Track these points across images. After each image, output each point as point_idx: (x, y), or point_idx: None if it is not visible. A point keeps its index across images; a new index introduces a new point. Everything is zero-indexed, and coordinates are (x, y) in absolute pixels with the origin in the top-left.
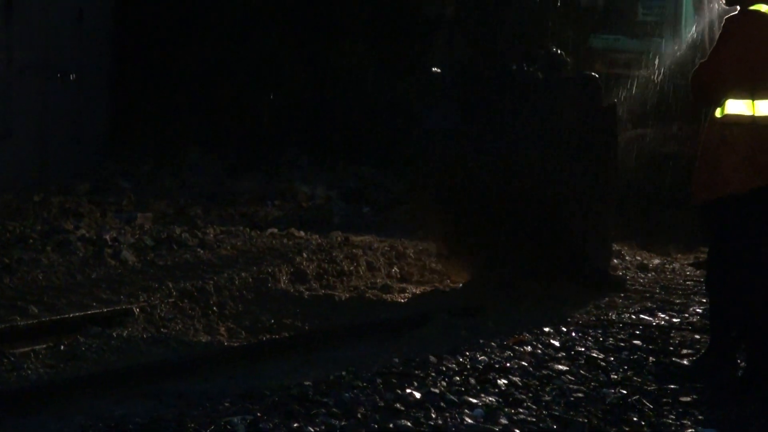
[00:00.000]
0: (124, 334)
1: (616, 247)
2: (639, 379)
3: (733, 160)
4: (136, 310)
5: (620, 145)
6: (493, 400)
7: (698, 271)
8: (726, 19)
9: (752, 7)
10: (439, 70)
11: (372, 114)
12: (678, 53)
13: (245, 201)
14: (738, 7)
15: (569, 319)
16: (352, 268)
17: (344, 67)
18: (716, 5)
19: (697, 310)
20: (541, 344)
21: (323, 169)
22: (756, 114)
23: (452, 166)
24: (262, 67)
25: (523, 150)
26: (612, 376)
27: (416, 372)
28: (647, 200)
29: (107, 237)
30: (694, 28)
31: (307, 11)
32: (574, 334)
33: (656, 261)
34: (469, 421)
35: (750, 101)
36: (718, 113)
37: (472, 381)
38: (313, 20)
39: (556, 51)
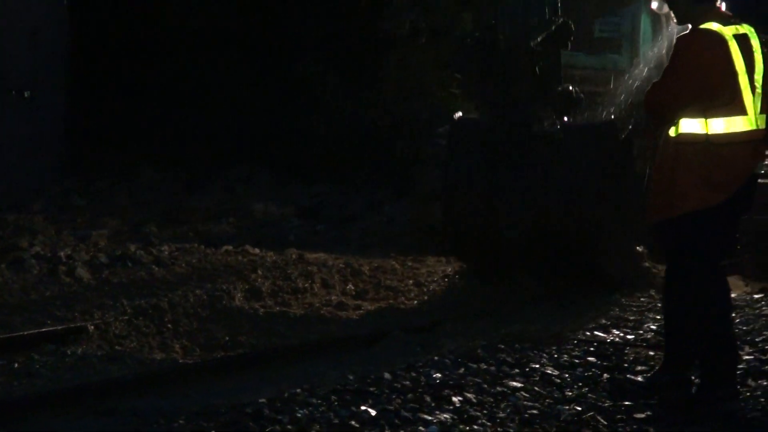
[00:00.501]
0: (79, 352)
1: None
2: (593, 396)
3: (689, 178)
4: (91, 328)
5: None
6: (448, 417)
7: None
8: (678, 38)
9: (703, 26)
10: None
11: (328, 131)
12: (635, 70)
13: (200, 218)
14: (690, 26)
15: (523, 336)
16: (306, 285)
17: (300, 83)
18: (671, 21)
19: (652, 326)
20: (495, 361)
21: (278, 186)
22: (709, 132)
23: (478, 205)
24: (218, 85)
25: (554, 195)
26: (567, 393)
27: (371, 389)
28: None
29: (62, 254)
30: (651, 45)
31: (264, 28)
32: (528, 350)
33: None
34: None
35: (703, 120)
36: (672, 132)
37: (427, 398)
38: (270, 37)
39: (571, 89)
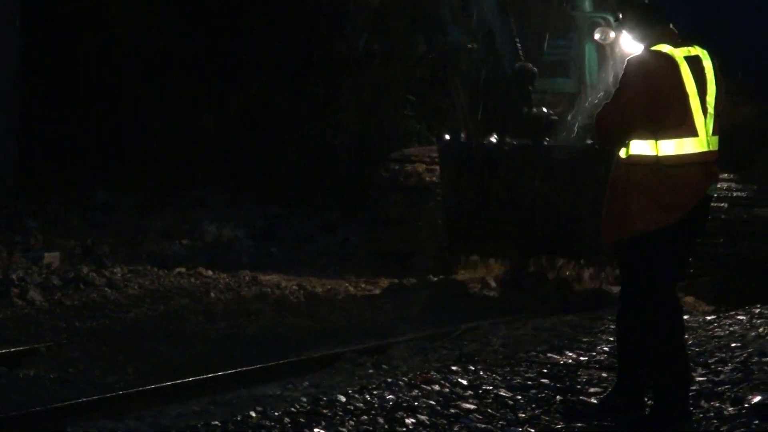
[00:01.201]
0: (31, 374)
1: None
2: (547, 418)
3: (640, 200)
4: (44, 350)
5: None
6: None
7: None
8: (628, 60)
9: (654, 47)
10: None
11: (281, 153)
12: (581, 92)
13: (153, 240)
14: (641, 47)
15: (476, 358)
16: (260, 306)
17: (254, 105)
18: (616, 48)
19: (605, 348)
20: (448, 383)
21: (231, 207)
22: (660, 154)
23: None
24: (172, 106)
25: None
26: (520, 415)
27: (324, 411)
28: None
29: (14, 277)
30: (597, 71)
31: (217, 49)
32: (482, 372)
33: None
34: None
35: (653, 141)
36: (623, 154)
37: (380, 420)
38: (223, 58)
39: (545, 112)
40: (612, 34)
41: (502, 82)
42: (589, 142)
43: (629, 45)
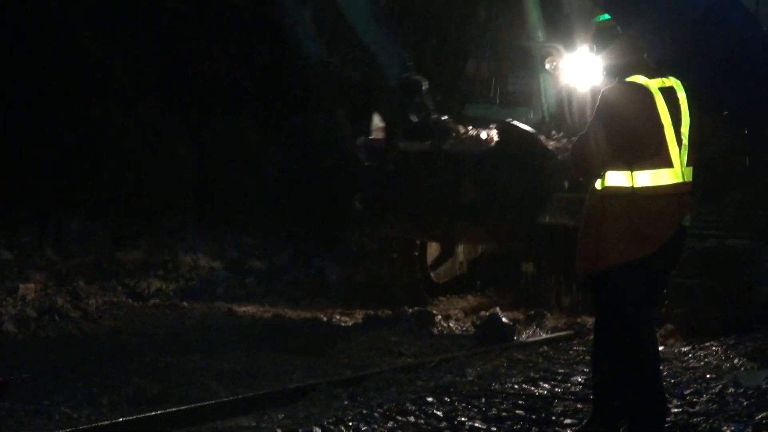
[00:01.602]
0: (6, 406)
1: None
2: None
3: (615, 231)
4: (18, 382)
5: None
6: None
7: (576, 340)
8: (603, 91)
9: (628, 79)
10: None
11: (256, 184)
12: (540, 122)
13: (128, 271)
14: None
15: (452, 389)
16: (235, 338)
17: (227, 137)
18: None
19: (579, 379)
20: (424, 414)
21: (207, 238)
22: (635, 185)
23: None
24: (146, 137)
25: None
26: None
27: None
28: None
29: None
30: (552, 97)
31: (190, 82)
32: (457, 404)
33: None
34: None
35: (629, 173)
36: (598, 185)
37: None
38: (196, 90)
39: (442, 119)
40: (561, 63)
41: (386, 92)
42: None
43: (575, 74)
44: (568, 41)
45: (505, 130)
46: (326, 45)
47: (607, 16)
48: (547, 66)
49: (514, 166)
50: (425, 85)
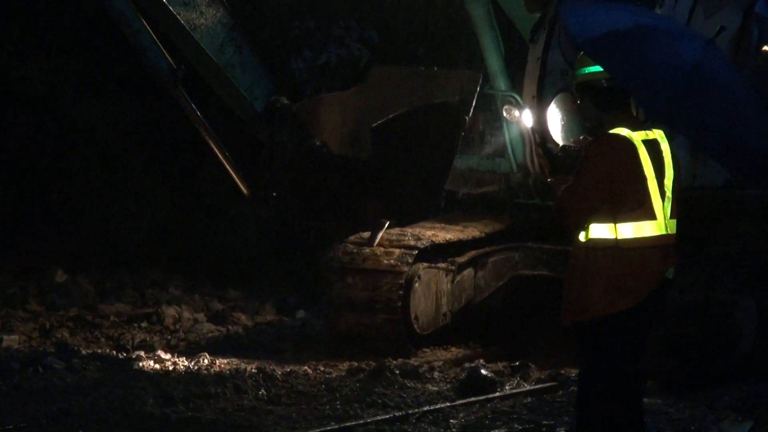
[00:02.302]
0: None
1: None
2: None
3: (599, 283)
4: None
5: (488, 266)
6: None
7: (560, 392)
8: (587, 143)
9: (612, 131)
10: None
11: (239, 236)
12: (511, 173)
13: (112, 324)
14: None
15: None
16: (219, 390)
17: (211, 189)
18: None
19: (563, 431)
20: None
21: (190, 290)
22: (619, 237)
23: None
24: (129, 190)
25: None
26: None
27: None
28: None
29: None
30: (520, 147)
31: (174, 135)
32: None
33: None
34: None
35: (612, 225)
36: (582, 237)
37: None
38: (179, 144)
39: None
40: (516, 113)
41: (253, 118)
42: None
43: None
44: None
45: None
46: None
47: (598, 68)
48: (506, 115)
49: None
50: (295, 108)
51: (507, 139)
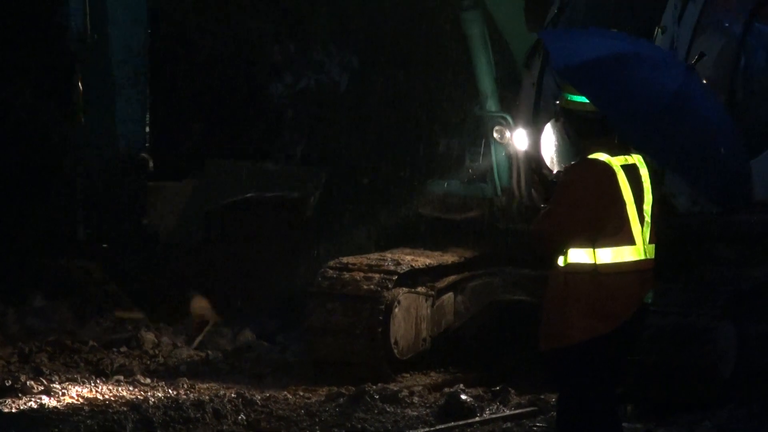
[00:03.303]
0: None
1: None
2: None
3: (578, 308)
4: None
5: (468, 291)
6: None
7: (540, 417)
8: (565, 168)
9: (591, 156)
10: None
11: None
12: (495, 197)
13: (91, 348)
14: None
15: None
16: (198, 415)
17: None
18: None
19: None
20: None
21: (170, 315)
22: (597, 262)
23: None
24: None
25: None
26: None
27: None
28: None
29: None
30: (506, 170)
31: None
32: None
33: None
34: None
35: (591, 250)
36: (561, 262)
37: None
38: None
39: None
40: (507, 134)
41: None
42: None
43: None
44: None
45: None
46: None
47: (583, 99)
48: (496, 136)
49: None
50: (150, 164)
51: (494, 163)
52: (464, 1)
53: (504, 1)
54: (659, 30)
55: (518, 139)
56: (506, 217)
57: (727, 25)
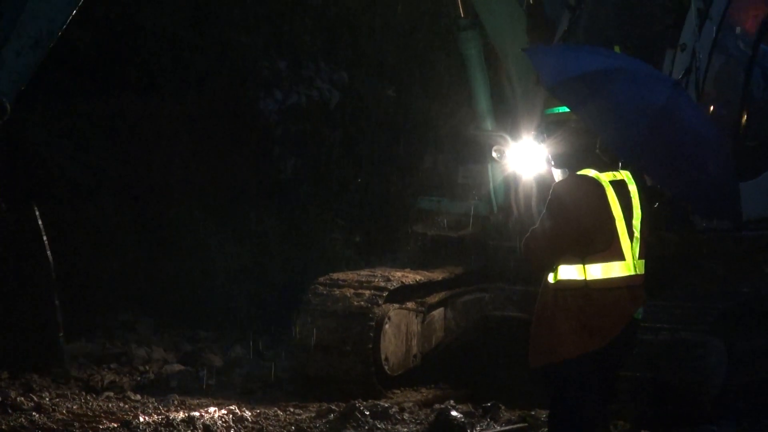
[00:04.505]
0: None
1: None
2: None
3: (568, 324)
4: None
5: (458, 307)
6: None
7: None
8: (555, 185)
9: (579, 172)
10: None
11: (208, 277)
12: (491, 215)
13: (81, 364)
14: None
15: None
16: (188, 431)
17: (178, 230)
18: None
19: None
20: None
21: (160, 331)
22: (588, 278)
23: None
24: (99, 230)
25: None
26: None
27: None
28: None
29: None
30: (501, 188)
31: (142, 177)
32: None
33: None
34: None
35: (581, 266)
36: (551, 278)
37: None
38: (149, 184)
39: None
40: (506, 152)
41: None
42: None
43: (521, 163)
44: (514, 131)
45: None
46: None
47: (564, 109)
48: (495, 155)
49: None
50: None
51: (490, 180)
52: (461, 22)
53: (501, 22)
54: (678, 48)
55: (518, 156)
56: (502, 234)
57: (740, 43)
